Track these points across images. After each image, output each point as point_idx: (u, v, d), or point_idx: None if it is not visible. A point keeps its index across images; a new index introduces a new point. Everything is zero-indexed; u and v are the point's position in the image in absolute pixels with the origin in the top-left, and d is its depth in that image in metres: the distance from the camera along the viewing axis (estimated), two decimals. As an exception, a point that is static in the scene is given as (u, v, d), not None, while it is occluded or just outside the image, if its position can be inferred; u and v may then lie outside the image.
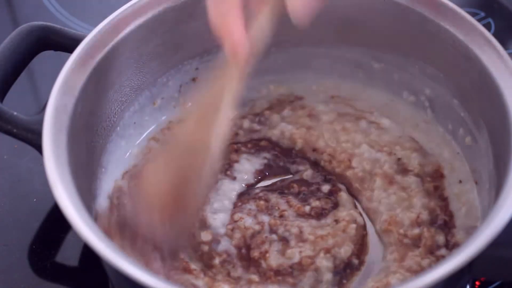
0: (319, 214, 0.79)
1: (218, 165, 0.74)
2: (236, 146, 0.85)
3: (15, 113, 0.75)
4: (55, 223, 0.85)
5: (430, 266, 0.73)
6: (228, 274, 0.74)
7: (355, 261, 0.76)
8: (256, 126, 0.87)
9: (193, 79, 0.88)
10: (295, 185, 0.82)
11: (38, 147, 0.70)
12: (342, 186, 0.82)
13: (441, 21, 0.79)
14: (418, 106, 0.87)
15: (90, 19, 1.07)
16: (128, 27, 0.79)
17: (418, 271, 0.73)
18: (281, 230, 0.77)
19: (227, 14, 0.66)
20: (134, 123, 0.85)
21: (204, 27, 0.84)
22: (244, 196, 0.81)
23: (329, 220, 0.79)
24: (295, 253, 0.75)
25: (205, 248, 0.76)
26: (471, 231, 0.76)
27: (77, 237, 0.65)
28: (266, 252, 0.75)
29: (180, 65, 0.87)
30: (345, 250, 0.76)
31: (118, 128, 0.82)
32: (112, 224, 0.71)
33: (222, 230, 0.77)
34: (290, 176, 0.83)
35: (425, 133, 0.85)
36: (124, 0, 0.79)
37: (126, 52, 0.79)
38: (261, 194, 0.81)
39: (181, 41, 0.85)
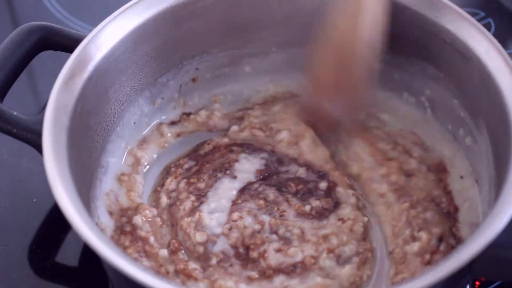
0: (320, 214, 0.79)
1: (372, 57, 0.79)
2: (232, 148, 0.85)
3: (15, 113, 0.75)
4: (55, 223, 0.85)
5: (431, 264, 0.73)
6: (226, 272, 0.74)
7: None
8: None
9: (193, 79, 0.88)
10: (292, 184, 0.82)
11: (38, 147, 0.70)
12: (338, 179, 0.82)
13: (441, 21, 0.79)
14: (418, 106, 0.87)
15: (90, 19, 1.07)
16: (128, 27, 0.79)
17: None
18: (282, 230, 0.77)
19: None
20: (134, 123, 0.85)
21: (204, 27, 0.85)
22: (243, 192, 0.81)
23: (332, 220, 0.79)
24: (298, 252, 0.75)
25: (201, 249, 0.76)
26: (474, 228, 0.76)
27: (77, 237, 0.65)
28: (265, 251, 0.75)
29: (180, 65, 0.87)
30: (350, 249, 0.76)
31: (118, 128, 0.82)
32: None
33: (218, 230, 0.77)
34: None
35: (424, 130, 0.86)
36: (124, 0, 0.79)
37: (126, 52, 0.79)
38: (260, 189, 0.81)
39: (181, 41, 0.85)
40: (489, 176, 0.75)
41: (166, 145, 0.86)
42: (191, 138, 0.87)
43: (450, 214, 0.78)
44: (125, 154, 0.84)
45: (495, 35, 0.76)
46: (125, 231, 0.77)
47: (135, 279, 0.60)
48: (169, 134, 0.86)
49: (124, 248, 0.76)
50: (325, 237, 0.77)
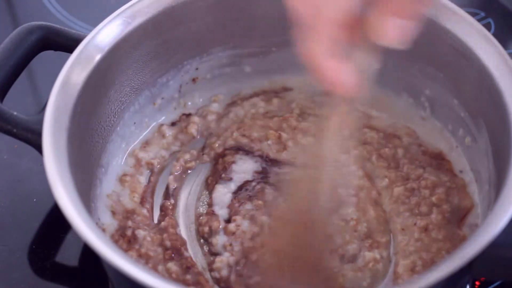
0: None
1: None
2: (226, 151, 0.85)
3: (15, 113, 0.75)
4: (55, 223, 0.85)
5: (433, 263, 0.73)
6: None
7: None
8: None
9: (193, 79, 0.88)
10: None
11: (38, 147, 0.70)
12: None
13: (441, 21, 0.79)
14: (418, 106, 0.87)
15: (90, 19, 1.07)
16: (128, 27, 0.79)
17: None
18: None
19: (318, 53, 0.60)
20: (134, 123, 0.85)
21: (204, 27, 0.85)
22: (240, 193, 0.81)
23: (335, 220, 0.79)
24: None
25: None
26: (473, 228, 0.76)
27: (77, 237, 0.65)
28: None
29: (180, 65, 0.87)
30: (353, 248, 0.76)
31: (118, 128, 0.82)
32: None
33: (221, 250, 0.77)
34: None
35: (422, 127, 0.86)
36: (124, 0, 0.79)
37: (126, 52, 0.79)
38: (258, 187, 0.80)
39: (181, 41, 0.85)
40: (489, 175, 0.75)
41: (167, 146, 0.86)
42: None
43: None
44: (126, 155, 0.84)
45: (495, 35, 0.76)
46: (125, 235, 0.77)
47: (135, 279, 0.60)
48: (170, 136, 0.86)
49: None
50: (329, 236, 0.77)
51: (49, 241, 0.84)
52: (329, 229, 0.74)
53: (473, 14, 0.96)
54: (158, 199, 0.82)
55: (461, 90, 0.80)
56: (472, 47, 0.76)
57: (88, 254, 0.72)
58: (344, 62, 0.60)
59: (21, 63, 0.79)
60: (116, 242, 0.76)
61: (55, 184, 0.65)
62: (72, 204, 0.64)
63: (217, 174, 0.83)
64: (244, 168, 0.83)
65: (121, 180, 0.82)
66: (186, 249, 0.77)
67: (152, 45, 0.82)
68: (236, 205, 0.80)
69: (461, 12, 0.78)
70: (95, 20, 0.79)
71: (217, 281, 0.75)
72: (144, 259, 0.75)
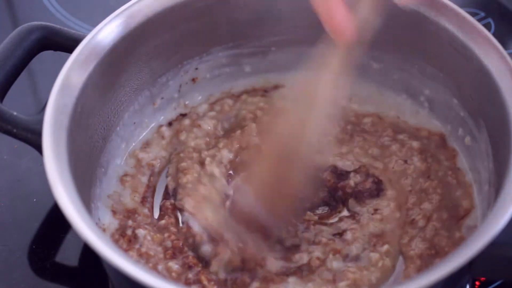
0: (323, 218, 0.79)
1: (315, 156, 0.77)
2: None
3: (15, 113, 0.75)
4: (55, 223, 0.85)
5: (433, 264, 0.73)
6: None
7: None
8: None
9: (193, 79, 0.88)
10: None
11: (38, 147, 0.70)
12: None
13: (441, 21, 0.79)
14: (417, 106, 0.87)
15: (90, 19, 1.07)
16: (128, 27, 0.79)
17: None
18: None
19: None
20: (134, 123, 0.85)
21: (204, 27, 0.85)
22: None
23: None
24: (303, 257, 0.75)
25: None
26: (473, 228, 0.76)
27: (77, 237, 0.65)
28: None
29: (180, 65, 0.87)
30: (357, 248, 0.76)
31: (118, 128, 0.82)
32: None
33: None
34: None
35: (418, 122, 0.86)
36: (124, 0, 0.79)
37: (126, 52, 0.79)
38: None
39: (181, 41, 0.85)
40: (489, 175, 0.75)
41: (167, 147, 0.86)
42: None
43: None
44: (127, 155, 0.84)
45: (495, 35, 0.76)
46: (126, 234, 0.77)
47: (135, 279, 0.60)
48: (168, 137, 0.86)
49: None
50: (332, 239, 0.77)
51: (49, 241, 0.84)
52: (302, 176, 0.76)
53: (473, 14, 0.96)
54: (158, 199, 0.82)
55: (461, 90, 0.80)
56: (472, 47, 0.76)
57: (88, 254, 0.72)
58: (350, 11, 0.68)
59: (21, 63, 0.79)
60: (116, 241, 0.76)
61: (55, 184, 0.65)
62: (72, 204, 0.64)
63: None
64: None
65: (122, 180, 0.82)
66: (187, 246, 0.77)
67: (152, 45, 0.82)
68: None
69: (461, 12, 0.78)
70: (95, 20, 0.79)
71: None
72: (144, 258, 0.75)
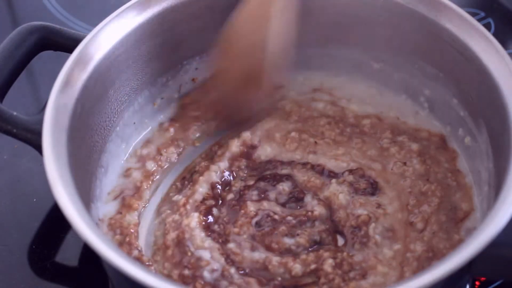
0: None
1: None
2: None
3: (15, 113, 0.75)
4: (55, 223, 0.85)
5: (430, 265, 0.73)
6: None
7: None
8: None
9: (193, 79, 0.88)
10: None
11: (38, 147, 0.70)
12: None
13: (441, 21, 0.79)
14: (417, 106, 0.87)
15: (90, 19, 1.07)
16: (128, 27, 0.79)
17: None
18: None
19: None
20: (134, 123, 0.85)
21: (204, 27, 0.85)
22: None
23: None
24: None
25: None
26: (473, 228, 0.76)
27: (77, 237, 0.65)
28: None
29: (180, 65, 0.87)
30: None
31: (118, 128, 0.82)
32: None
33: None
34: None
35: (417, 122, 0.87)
36: (124, 0, 0.79)
37: (126, 52, 0.79)
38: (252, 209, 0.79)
39: (181, 41, 0.85)
40: (489, 175, 0.75)
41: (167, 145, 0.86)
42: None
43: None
44: (128, 155, 0.84)
45: (495, 35, 0.76)
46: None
47: (135, 279, 0.60)
48: (169, 135, 0.86)
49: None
50: None
51: (49, 241, 0.84)
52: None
53: (473, 14, 0.96)
54: (158, 197, 0.82)
55: (461, 90, 0.80)
56: (472, 47, 0.76)
57: (88, 254, 0.72)
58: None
59: (21, 63, 0.80)
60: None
61: (55, 184, 0.65)
62: (72, 204, 0.64)
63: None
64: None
65: (123, 177, 0.82)
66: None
67: (152, 45, 0.82)
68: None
69: (461, 12, 0.78)
70: (95, 20, 0.79)
71: None
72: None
